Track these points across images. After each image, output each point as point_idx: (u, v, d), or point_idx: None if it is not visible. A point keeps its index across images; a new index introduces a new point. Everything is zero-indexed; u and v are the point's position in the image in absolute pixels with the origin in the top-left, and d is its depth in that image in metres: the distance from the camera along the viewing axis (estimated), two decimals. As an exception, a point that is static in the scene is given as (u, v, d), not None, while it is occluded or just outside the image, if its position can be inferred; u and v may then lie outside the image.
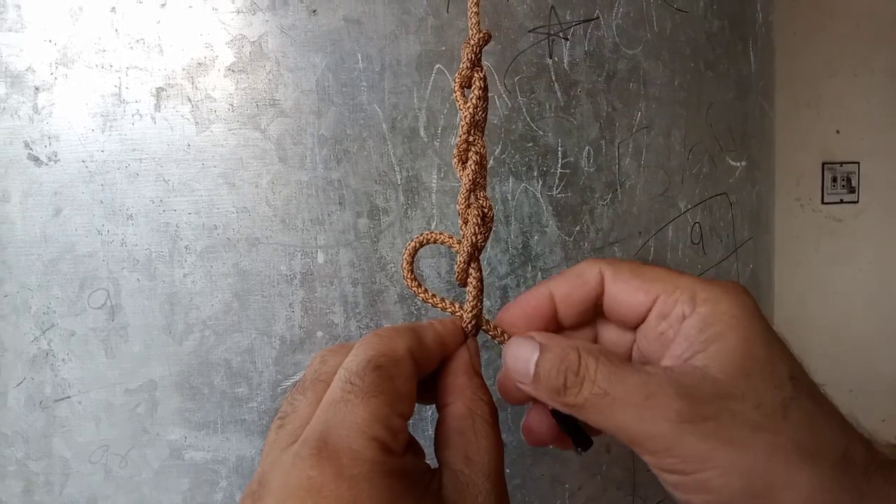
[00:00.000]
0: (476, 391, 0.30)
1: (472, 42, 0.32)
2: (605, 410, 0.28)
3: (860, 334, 1.92)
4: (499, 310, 0.45)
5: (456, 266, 0.33)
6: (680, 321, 0.30)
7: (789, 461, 0.27)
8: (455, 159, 0.34)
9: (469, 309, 0.33)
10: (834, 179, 2.01)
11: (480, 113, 0.33)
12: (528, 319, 0.33)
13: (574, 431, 0.30)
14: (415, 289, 0.34)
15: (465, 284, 0.33)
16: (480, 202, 0.33)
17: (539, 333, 0.31)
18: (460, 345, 0.32)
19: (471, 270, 0.33)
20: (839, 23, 1.89)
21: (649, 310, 0.32)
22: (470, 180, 0.33)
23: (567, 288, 0.33)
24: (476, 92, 0.32)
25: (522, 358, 0.30)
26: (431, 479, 0.27)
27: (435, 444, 0.30)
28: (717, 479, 0.26)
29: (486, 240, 0.34)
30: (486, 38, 0.32)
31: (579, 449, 0.30)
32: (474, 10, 0.33)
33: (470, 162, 0.33)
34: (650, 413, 0.27)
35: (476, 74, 0.32)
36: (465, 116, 0.32)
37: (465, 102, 0.33)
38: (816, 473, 0.27)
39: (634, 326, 0.33)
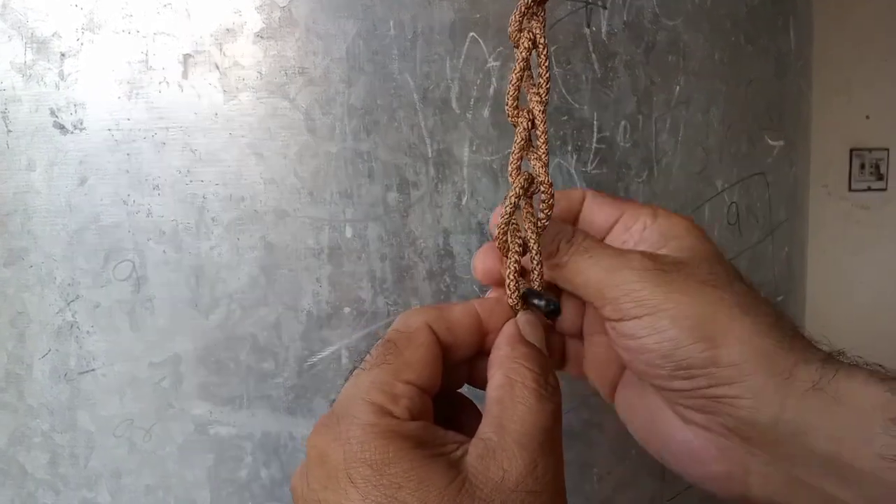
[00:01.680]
0: (518, 359, 0.29)
1: None
2: (584, 264, 0.33)
3: (887, 324, 1.88)
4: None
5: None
6: (641, 231, 0.35)
7: (731, 313, 0.31)
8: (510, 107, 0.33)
9: (507, 283, 0.31)
10: (862, 166, 1.96)
11: (544, 72, 0.31)
12: None
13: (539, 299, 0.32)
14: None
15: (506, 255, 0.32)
16: (533, 168, 0.31)
17: None
18: (508, 319, 0.31)
19: (512, 247, 0.31)
20: (870, 5, 1.83)
21: (615, 222, 0.36)
22: (518, 146, 0.31)
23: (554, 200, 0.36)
24: (522, 53, 0.30)
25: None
26: (456, 448, 0.26)
27: None
28: (666, 321, 0.30)
29: (549, 208, 0.32)
30: None
31: (551, 316, 0.33)
32: None
33: (520, 128, 0.31)
34: (619, 265, 0.32)
35: (524, 34, 0.30)
36: (512, 77, 0.31)
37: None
38: (755, 324, 0.31)
39: (601, 238, 0.37)
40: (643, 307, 0.31)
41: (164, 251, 0.44)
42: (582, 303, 0.37)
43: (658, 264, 0.32)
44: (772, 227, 0.64)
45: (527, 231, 0.32)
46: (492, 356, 0.30)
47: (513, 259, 0.32)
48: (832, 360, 0.31)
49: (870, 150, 1.96)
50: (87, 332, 0.45)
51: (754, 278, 0.63)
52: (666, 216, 0.35)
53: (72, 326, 0.45)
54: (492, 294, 0.37)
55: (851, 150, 1.95)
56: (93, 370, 0.45)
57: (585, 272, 0.32)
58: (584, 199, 0.37)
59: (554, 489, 0.26)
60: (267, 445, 0.45)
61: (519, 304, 0.31)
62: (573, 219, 0.37)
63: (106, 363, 0.45)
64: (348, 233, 0.45)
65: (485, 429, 0.27)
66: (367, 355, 0.29)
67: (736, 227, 0.59)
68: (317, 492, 0.25)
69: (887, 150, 1.97)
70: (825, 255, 1.84)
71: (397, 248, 0.46)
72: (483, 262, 0.35)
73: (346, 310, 0.46)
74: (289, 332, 0.45)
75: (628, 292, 0.31)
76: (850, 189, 1.96)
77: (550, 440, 0.27)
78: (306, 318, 0.45)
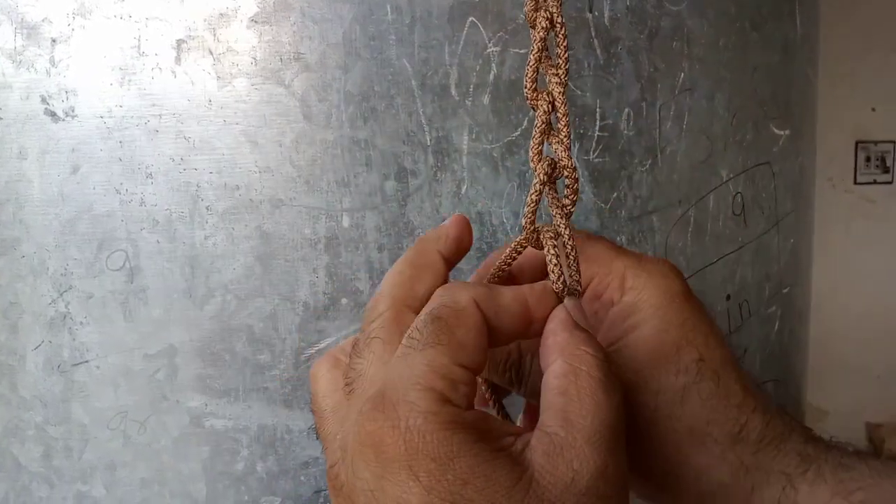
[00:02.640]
0: (580, 345, 0.27)
1: None
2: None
3: (890, 318, 1.87)
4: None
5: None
6: (609, 307, 0.32)
7: (681, 447, 0.29)
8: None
9: (552, 273, 0.30)
10: (868, 159, 1.95)
11: (562, 53, 0.30)
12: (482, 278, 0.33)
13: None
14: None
15: (539, 247, 0.31)
16: (555, 152, 0.30)
17: None
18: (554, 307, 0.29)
19: (546, 234, 0.30)
20: (877, -5, 1.81)
21: (587, 286, 0.33)
22: (539, 130, 0.30)
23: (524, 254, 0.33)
24: (540, 33, 0.29)
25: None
26: (515, 440, 0.24)
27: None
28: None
29: (574, 193, 0.31)
30: None
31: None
32: None
33: (540, 111, 0.30)
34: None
35: (541, 13, 0.29)
36: (530, 59, 0.29)
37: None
38: (705, 456, 0.29)
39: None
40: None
41: (157, 241, 0.44)
42: None
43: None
44: (777, 219, 0.63)
45: (555, 217, 0.31)
46: (547, 342, 0.28)
47: (549, 245, 0.30)
48: (795, 477, 0.29)
49: (875, 142, 1.95)
50: (81, 323, 0.45)
51: (760, 270, 0.62)
52: (632, 291, 0.32)
53: (65, 317, 0.45)
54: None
55: (857, 143, 1.94)
56: (86, 362, 0.45)
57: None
58: None
59: (622, 492, 0.24)
60: (263, 438, 0.45)
61: (564, 290, 0.30)
62: (541, 269, 0.34)
63: (100, 355, 0.45)
64: (345, 222, 0.45)
65: (549, 422, 0.25)
66: (414, 331, 0.26)
67: (741, 218, 0.58)
68: (367, 481, 0.23)
69: (893, 142, 1.95)
70: (830, 248, 1.83)
71: (395, 237, 0.45)
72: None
73: (344, 300, 0.45)
74: (285, 323, 0.44)
75: None
76: (855, 182, 1.95)
77: (618, 439, 0.25)
78: (303, 309, 0.45)
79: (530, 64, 0.30)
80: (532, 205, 0.30)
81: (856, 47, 1.81)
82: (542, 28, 0.30)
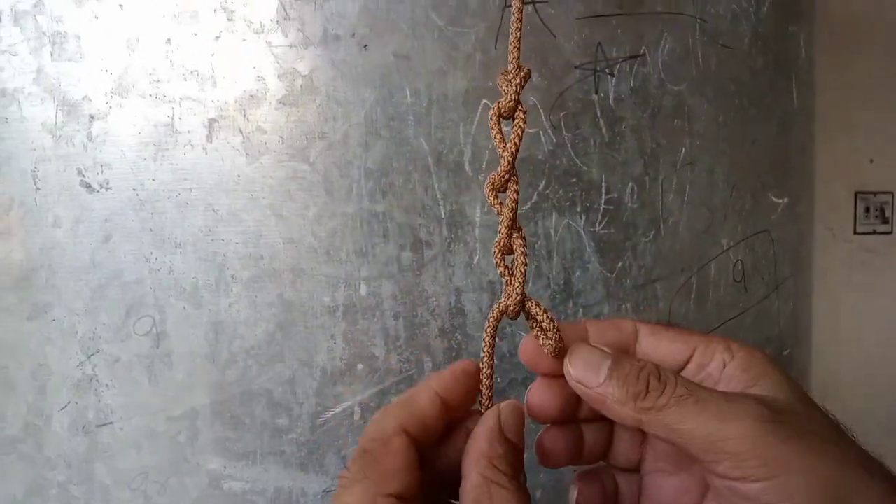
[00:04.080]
0: (495, 459, 0.29)
1: (516, 76, 0.33)
2: (688, 410, 0.28)
3: (891, 368, 1.87)
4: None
5: (508, 301, 0.33)
6: (721, 368, 0.32)
7: (858, 474, 0.28)
8: (488, 189, 0.34)
9: (550, 329, 0.33)
10: (867, 209, 1.98)
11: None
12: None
13: None
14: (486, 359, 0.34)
15: (517, 315, 0.34)
16: (521, 233, 0.34)
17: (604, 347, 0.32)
18: (474, 390, 0.32)
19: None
20: (875, 49, 1.86)
21: (687, 360, 0.33)
22: (513, 211, 0.33)
23: (602, 328, 0.34)
24: (520, 125, 0.33)
25: (593, 361, 0.30)
26: None
27: None
28: (802, 485, 0.27)
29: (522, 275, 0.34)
30: (528, 76, 0.34)
31: None
32: (515, 45, 0.34)
33: (509, 200, 0.33)
34: (734, 411, 0.28)
35: (519, 106, 0.33)
36: (510, 148, 0.33)
37: (500, 132, 0.34)
38: (881, 484, 0.28)
39: None
40: (772, 467, 0.27)
41: (184, 307, 0.46)
42: (640, 435, 0.35)
43: (777, 415, 0.28)
44: (777, 283, 0.65)
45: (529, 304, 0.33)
46: (469, 446, 0.30)
47: (536, 310, 0.33)
48: None
49: (874, 193, 1.98)
50: (107, 385, 0.46)
51: (760, 334, 0.64)
52: (744, 350, 0.32)
53: (91, 380, 0.46)
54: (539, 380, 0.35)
55: (856, 194, 1.97)
56: (111, 423, 0.46)
57: (692, 420, 0.28)
58: (636, 332, 0.34)
59: None
60: (279, 501, 0.46)
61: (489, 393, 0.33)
62: (624, 349, 0.34)
63: (124, 417, 0.46)
64: (363, 291, 0.47)
65: None
66: (345, 470, 0.28)
67: (741, 284, 0.60)
68: None
69: (892, 193, 1.98)
70: (831, 297, 1.84)
71: (410, 305, 0.47)
72: (539, 397, 0.33)
73: (360, 366, 0.47)
74: (303, 388, 0.46)
75: (752, 448, 0.27)
76: (855, 232, 1.97)
77: None
78: (320, 374, 0.46)
79: (510, 150, 0.33)
80: (523, 275, 0.33)
81: (853, 100, 1.85)
82: (522, 120, 0.33)
